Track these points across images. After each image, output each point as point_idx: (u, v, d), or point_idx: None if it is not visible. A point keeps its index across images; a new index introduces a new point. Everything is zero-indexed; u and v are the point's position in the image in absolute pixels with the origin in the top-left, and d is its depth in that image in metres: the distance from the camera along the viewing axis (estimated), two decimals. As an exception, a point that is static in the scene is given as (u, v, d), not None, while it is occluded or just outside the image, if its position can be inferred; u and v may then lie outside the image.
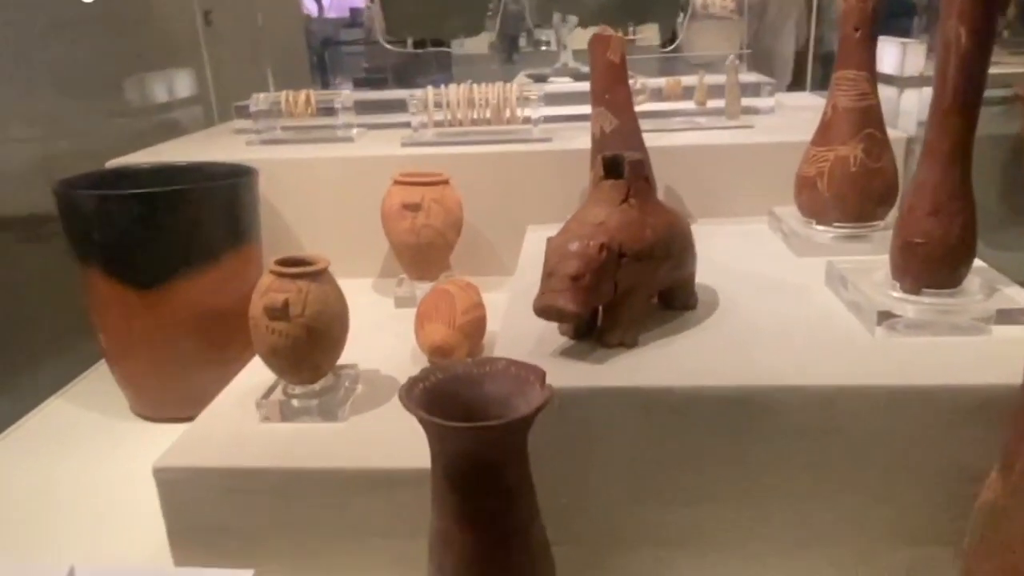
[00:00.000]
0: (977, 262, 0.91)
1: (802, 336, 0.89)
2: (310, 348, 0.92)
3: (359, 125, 1.62)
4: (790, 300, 1.00)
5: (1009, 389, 0.72)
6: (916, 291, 0.90)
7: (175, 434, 1.23)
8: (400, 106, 1.70)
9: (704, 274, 1.00)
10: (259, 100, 1.57)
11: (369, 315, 1.28)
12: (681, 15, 1.60)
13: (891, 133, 1.14)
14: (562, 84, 1.69)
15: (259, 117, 1.56)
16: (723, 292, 1.02)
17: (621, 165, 0.88)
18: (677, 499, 0.83)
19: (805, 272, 1.08)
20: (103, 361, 1.52)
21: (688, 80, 1.53)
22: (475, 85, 1.46)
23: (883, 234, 1.14)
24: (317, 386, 0.98)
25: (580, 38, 2.39)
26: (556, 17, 1.69)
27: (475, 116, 1.45)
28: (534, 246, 1.30)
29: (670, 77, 1.53)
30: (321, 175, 1.44)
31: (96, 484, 1.12)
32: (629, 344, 0.87)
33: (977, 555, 0.68)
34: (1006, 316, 0.87)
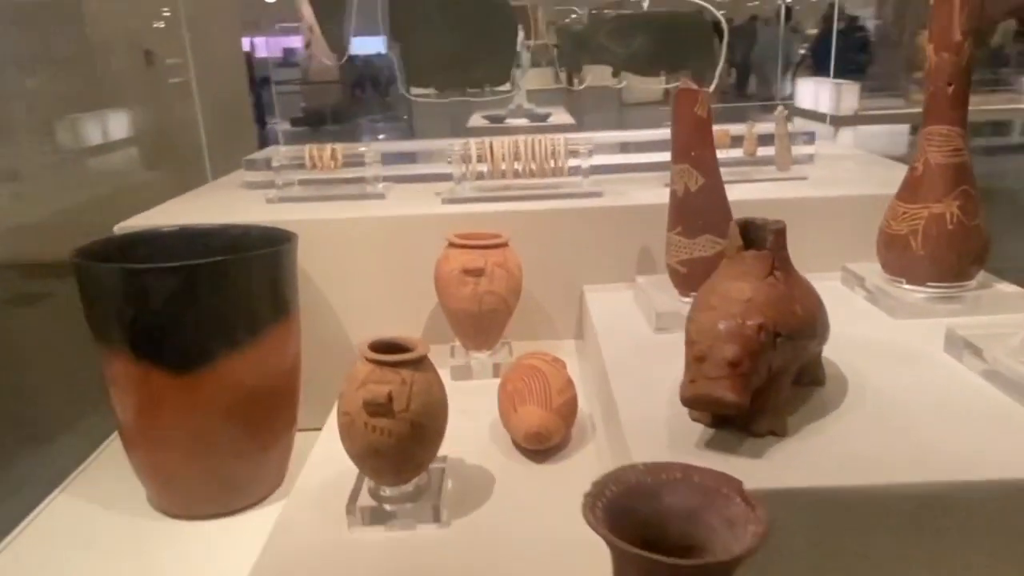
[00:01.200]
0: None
1: (955, 416, 0.82)
2: (415, 445, 0.80)
3: (385, 178, 1.51)
4: (916, 370, 0.93)
5: None
6: (1066, 362, 0.84)
7: (207, 533, 1.10)
8: (422, 157, 1.61)
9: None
10: (279, 154, 1.45)
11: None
12: (720, 63, 1.55)
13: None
14: (607, 134, 1.62)
15: (280, 171, 1.43)
16: (839, 360, 0.95)
17: (764, 233, 0.80)
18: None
19: (912, 335, 1.03)
20: (109, 444, 1.36)
21: (735, 128, 1.48)
22: (520, 136, 1.37)
23: (975, 294, 1.10)
24: (411, 486, 0.86)
25: (533, 79, 2.34)
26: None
27: (519, 169, 1.36)
28: (601, 308, 1.22)
29: (718, 126, 1.47)
30: (357, 236, 1.32)
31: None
32: (780, 432, 0.79)
33: None
34: None
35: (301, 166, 1.45)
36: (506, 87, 1.61)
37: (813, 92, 6.92)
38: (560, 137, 1.37)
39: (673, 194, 1.11)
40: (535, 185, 1.39)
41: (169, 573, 1.04)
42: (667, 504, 0.63)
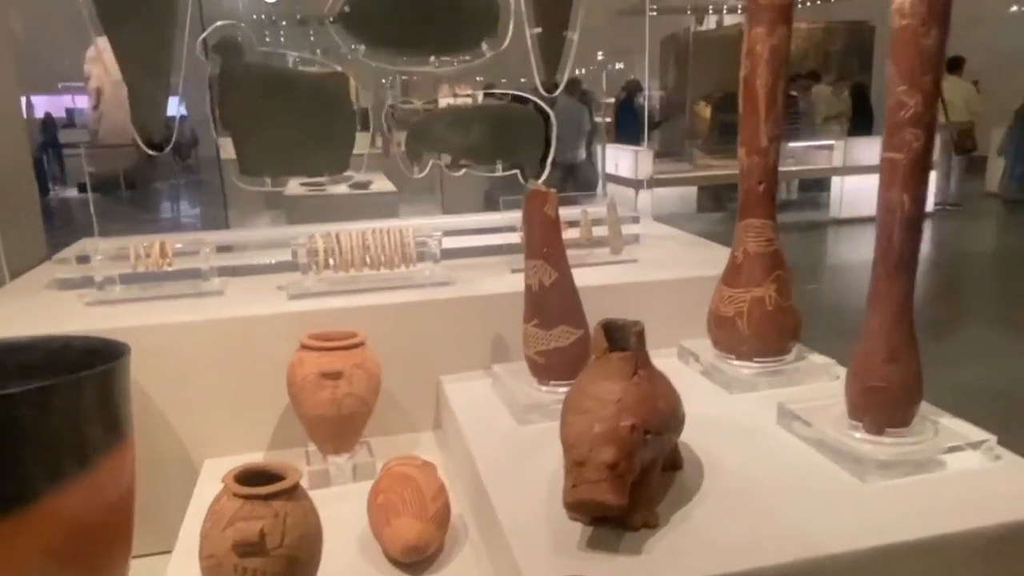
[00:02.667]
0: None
1: (797, 490, 0.91)
2: (292, 583, 0.75)
3: (219, 270, 1.43)
4: (756, 443, 1.03)
5: (1011, 528, 0.78)
6: (878, 432, 0.96)
7: None
8: (255, 247, 1.55)
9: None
10: (97, 250, 1.32)
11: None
12: (551, 153, 1.64)
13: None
14: (454, 219, 1.64)
15: (99, 270, 1.31)
16: (690, 440, 1.02)
17: (627, 335, 0.85)
18: None
19: (747, 409, 1.13)
20: None
21: (567, 214, 1.56)
22: (367, 227, 1.36)
23: (794, 366, 1.23)
24: (287, 622, 0.80)
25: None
26: None
27: (369, 259, 1.35)
28: (460, 400, 1.23)
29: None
30: (195, 341, 1.23)
31: None
32: (652, 523, 0.83)
33: None
34: (954, 449, 0.96)
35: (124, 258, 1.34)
36: (348, 174, 1.59)
37: (613, 158, 7.53)
38: (408, 226, 1.38)
39: (528, 288, 1.15)
40: (385, 276, 1.38)
41: None
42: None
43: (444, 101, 1.74)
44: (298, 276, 1.36)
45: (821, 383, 1.20)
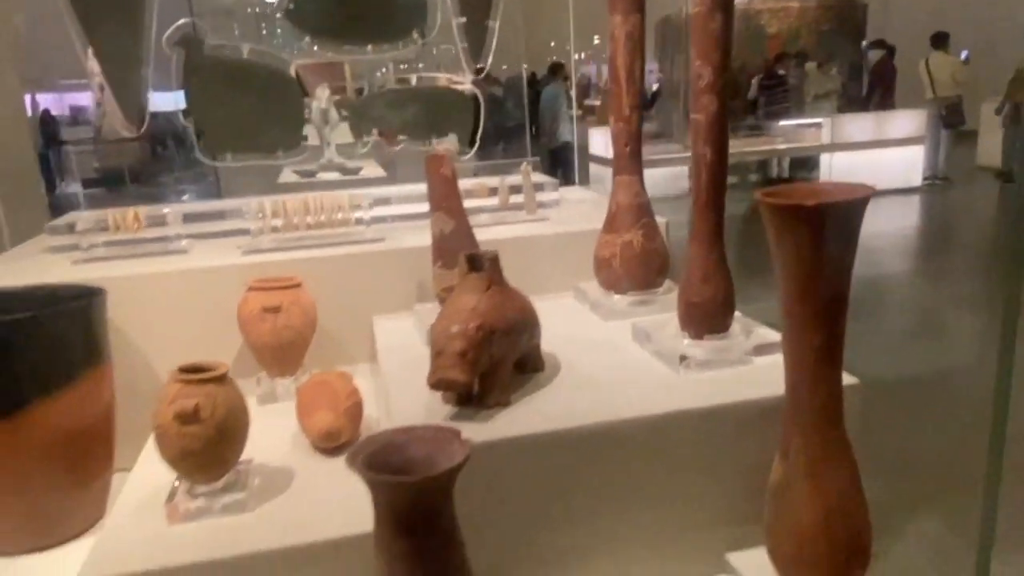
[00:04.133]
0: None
1: (626, 381, 1.15)
2: (222, 447, 1.00)
3: (188, 236, 1.68)
4: (609, 354, 1.27)
5: (778, 400, 1.03)
6: (700, 337, 1.21)
7: (22, 568, 1.20)
8: (220, 215, 1.80)
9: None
10: (83, 219, 1.58)
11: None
12: (480, 129, 1.88)
13: (659, 220, 1.49)
14: (382, 190, 1.89)
15: (84, 234, 1.56)
16: (557, 353, 1.27)
17: (482, 261, 1.10)
18: (561, 519, 1.03)
19: (614, 332, 1.37)
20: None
21: (491, 182, 1.81)
22: (309, 195, 1.61)
23: (663, 297, 1.47)
24: (220, 483, 1.05)
25: (342, 133, 2.61)
26: (317, 115, 1.86)
27: (310, 221, 1.60)
28: (388, 335, 1.47)
29: (476, 180, 1.79)
30: (163, 288, 1.48)
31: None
32: (504, 403, 1.08)
33: (774, 523, 0.97)
34: (761, 350, 1.20)
35: (104, 229, 1.59)
36: (299, 152, 1.83)
37: (603, 141, 7.69)
38: (343, 193, 1.62)
39: (433, 236, 1.40)
40: (326, 235, 1.62)
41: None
42: (411, 454, 0.89)
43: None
44: (259, 235, 1.61)
45: (681, 310, 1.45)
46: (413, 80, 1.90)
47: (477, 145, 1.90)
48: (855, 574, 0.95)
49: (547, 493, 1.03)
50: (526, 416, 1.05)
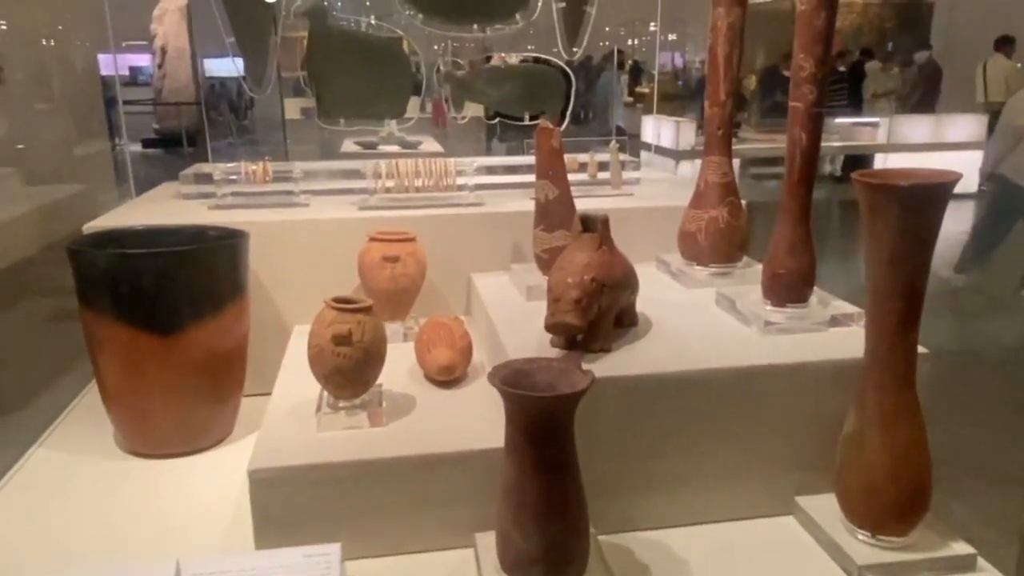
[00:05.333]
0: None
1: (714, 336, 1.29)
2: (368, 367, 1.17)
3: (305, 192, 1.86)
4: (695, 315, 1.41)
5: (851, 362, 1.16)
6: (782, 306, 1.34)
7: (178, 468, 1.39)
8: (339, 175, 1.96)
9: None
10: (218, 169, 1.76)
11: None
12: (570, 107, 2.02)
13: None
14: (487, 160, 2.04)
15: (221, 184, 1.74)
16: (649, 313, 1.41)
17: (595, 222, 1.24)
18: (652, 452, 1.18)
19: (697, 298, 1.51)
20: (72, 408, 1.61)
21: (580, 157, 1.95)
22: (419, 159, 1.76)
23: (741, 271, 1.60)
24: (358, 400, 1.22)
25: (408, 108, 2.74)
26: None
27: (419, 184, 1.76)
28: (487, 290, 1.63)
29: (568, 155, 1.93)
30: (290, 236, 1.65)
31: (114, 523, 1.24)
32: (607, 349, 1.22)
33: (845, 472, 1.10)
34: (836, 321, 1.33)
35: (234, 180, 1.77)
36: (407, 119, 2.00)
37: (655, 129, 7.73)
38: (451, 160, 1.78)
39: (537, 202, 1.54)
40: (432, 197, 1.78)
41: (149, 504, 1.31)
42: (537, 379, 1.04)
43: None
44: (376, 194, 1.77)
45: (759, 284, 1.58)
46: (512, 59, 2.04)
47: (567, 122, 2.04)
48: (915, 517, 1.08)
49: (642, 429, 1.17)
50: (626, 361, 1.20)
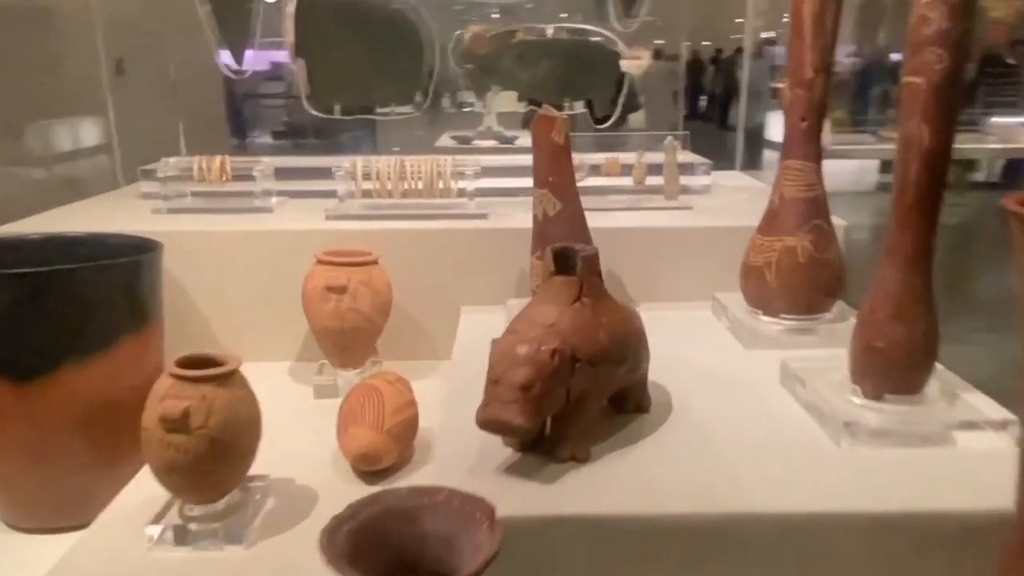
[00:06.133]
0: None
1: (764, 446, 0.82)
2: (213, 464, 0.79)
3: (280, 193, 1.51)
4: (745, 400, 0.94)
5: (993, 515, 0.67)
6: (878, 397, 0.85)
7: (54, 547, 1.06)
8: (325, 173, 1.61)
9: (652, 367, 0.93)
10: (168, 164, 1.44)
11: (285, 406, 1.15)
12: (619, 92, 1.57)
13: (836, 221, 1.12)
14: (496, 157, 1.62)
15: (168, 182, 1.42)
16: (674, 389, 0.96)
17: (573, 259, 0.81)
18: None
19: (756, 366, 1.03)
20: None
21: (626, 157, 1.50)
22: (406, 157, 1.37)
23: (830, 327, 1.11)
24: (221, 505, 0.84)
25: (506, 101, 2.35)
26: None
27: (406, 188, 1.37)
28: (471, 330, 1.22)
29: (609, 154, 1.48)
30: (235, 249, 1.31)
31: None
32: (581, 458, 0.79)
33: None
34: (970, 425, 0.83)
35: (191, 178, 1.45)
36: (408, 108, 1.61)
37: (779, 123, 7.03)
38: (447, 159, 1.38)
39: (535, 219, 1.12)
40: (423, 205, 1.39)
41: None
42: (427, 528, 0.63)
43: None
44: (347, 200, 1.40)
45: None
46: (549, 31, 1.61)
47: (616, 115, 1.59)
48: None
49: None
50: (606, 484, 0.76)
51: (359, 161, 1.37)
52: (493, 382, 0.74)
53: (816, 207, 1.08)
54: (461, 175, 1.38)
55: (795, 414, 0.90)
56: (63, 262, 1.11)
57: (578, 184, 1.31)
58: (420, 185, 1.36)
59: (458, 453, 0.81)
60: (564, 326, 0.77)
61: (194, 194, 1.48)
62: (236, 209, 1.44)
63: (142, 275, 1.14)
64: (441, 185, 1.37)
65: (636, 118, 2.37)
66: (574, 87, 1.61)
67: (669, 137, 1.45)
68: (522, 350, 0.74)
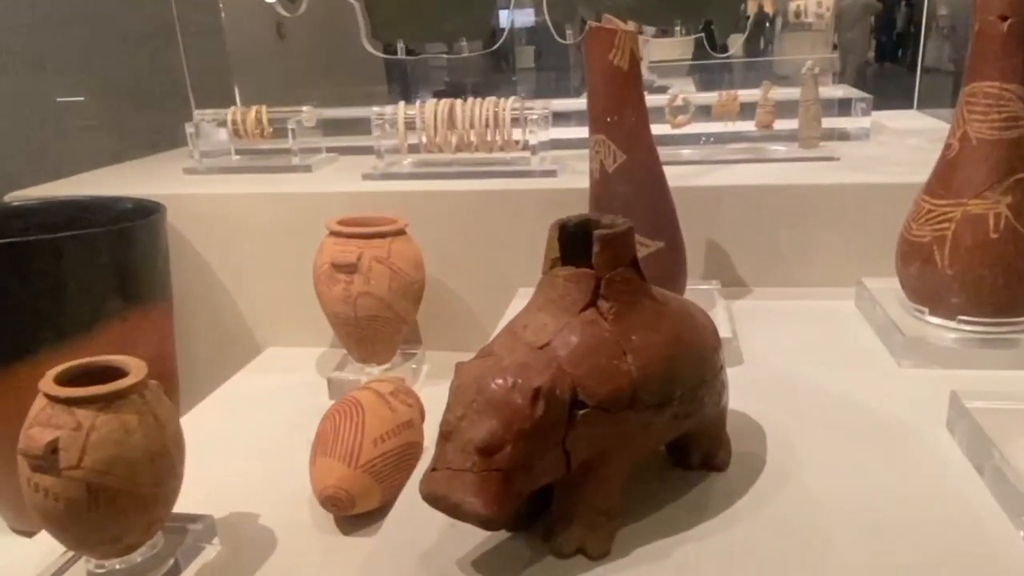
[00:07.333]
0: None
1: (918, 548, 0.50)
2: (96, 515, 0.58)
3: (330, 149, 1.30)
4: (887, 459, 0.60)
5: None
6: None
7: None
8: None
9: (750, 392, 0.62)
10: (204, 118, 1.26)
11: (286, 410, 0.95)
12: (745, 17, 1.21)
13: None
14: (569, 101, 1.30)
15: (200, 139, 1.25)
16: (777, 432, 0.64)
17: (585, 237, 0.51)
18: None
19: (913, 397, 0.69)
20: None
21: (749, 95, 1.14)
22: (459, 101, 1.11)
23: (1038, 336, 0.73)
24: (137, 558, 0.64)
25: (659, 48, 1.98)
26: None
27: (458, 140, 1.10)
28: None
29: (724, 91, 1.13)
30: (260, 215, 1.11)
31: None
32: (593, 554, 0.50)
33: None
34: None
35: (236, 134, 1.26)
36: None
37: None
38: (507, 102, 1.09)
39: (591, 176, 0.82)
40: (477, 160, 1.12)
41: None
42: None
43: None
44: (394, 156, 1.16)
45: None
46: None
47: (741, 43, 1.23)
48: None
49: None
50: (631, 602, 0.47)
51: (402, 108, 1.12)
52: (444, 436, 0.47)
53: (1019, 154, 0.70)
54: (526, 121, 1.09)
55: (971, 489, 0.56)
56: (59, 231, 0.97)
57: (683, 130, 1.00)
58: (474, 137, 1.09)
59: (417, 519, 0.55)
60: (563, 349, 0.48)
61: (238, 152, 1.31)
62: (276, 168, 1.24)
63: (133, 245, 0.97)
64: (500, 136, 1.09)
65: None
66: (687, 5, 1.26)
67: (808, 62, 1.08)
68: (490, 387, 0.46)
